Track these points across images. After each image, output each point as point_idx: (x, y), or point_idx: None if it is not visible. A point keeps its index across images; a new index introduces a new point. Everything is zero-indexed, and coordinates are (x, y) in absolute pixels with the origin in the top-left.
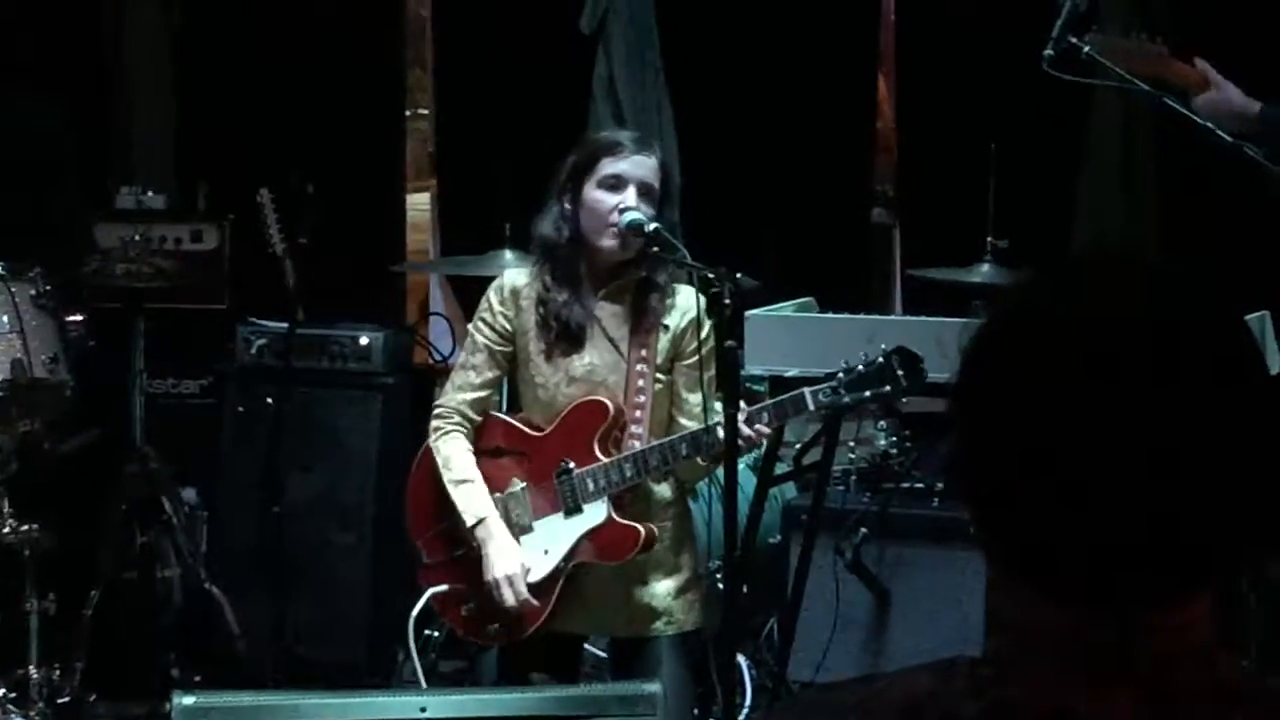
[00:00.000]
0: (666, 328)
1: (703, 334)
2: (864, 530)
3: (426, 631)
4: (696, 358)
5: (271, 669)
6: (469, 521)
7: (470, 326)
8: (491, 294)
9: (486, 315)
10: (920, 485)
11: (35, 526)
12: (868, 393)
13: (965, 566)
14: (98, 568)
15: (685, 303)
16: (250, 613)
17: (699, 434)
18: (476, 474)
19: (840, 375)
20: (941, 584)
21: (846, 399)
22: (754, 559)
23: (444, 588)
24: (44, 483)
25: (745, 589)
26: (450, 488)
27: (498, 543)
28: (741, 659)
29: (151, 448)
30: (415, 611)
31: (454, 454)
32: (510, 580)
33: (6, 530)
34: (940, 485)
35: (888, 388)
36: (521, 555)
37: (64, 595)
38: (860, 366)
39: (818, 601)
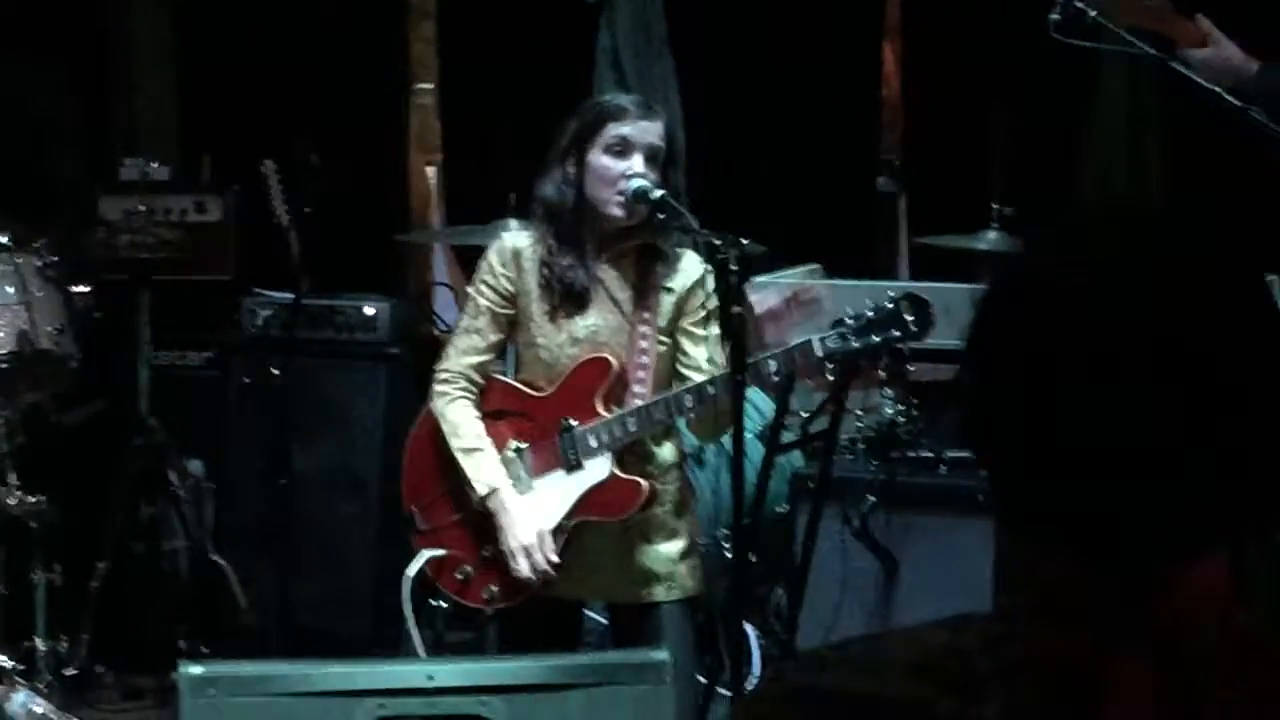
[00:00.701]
0: (670, 290)
1: (706, 291)
2: (871, 499)
3: (432, 602)
4: (701, 313)
5: (278, 640)
6: (481, 491)
7: (470, 289)
8: (492, 256)
9: (489, 278)
10: (928, 454)
11: (42, 499)
12: (876, 337)
13: (973, 535)
14: (104, 540)
15: (689, 265)
16: (257, 584)
17: (703, 385)
18: (487, 441)
19: (849, 322)
20: (949, 552)
21: (855, 344)
22: (761, 528)
23: (440, 552)
24: (50, 454)
25: (753, 558)
26: (460, 455)
27: (512, 513)
28: (749, 628)
29: (157, 420)
30: (411, 572)
31: (462, 420)
32: (528, 550)
33: (13, 502)
34: (948, 453)
35: (897, 332)
36: (538, 522)
37: (71, 567)
38: (869, 313)
39: (825, 570)
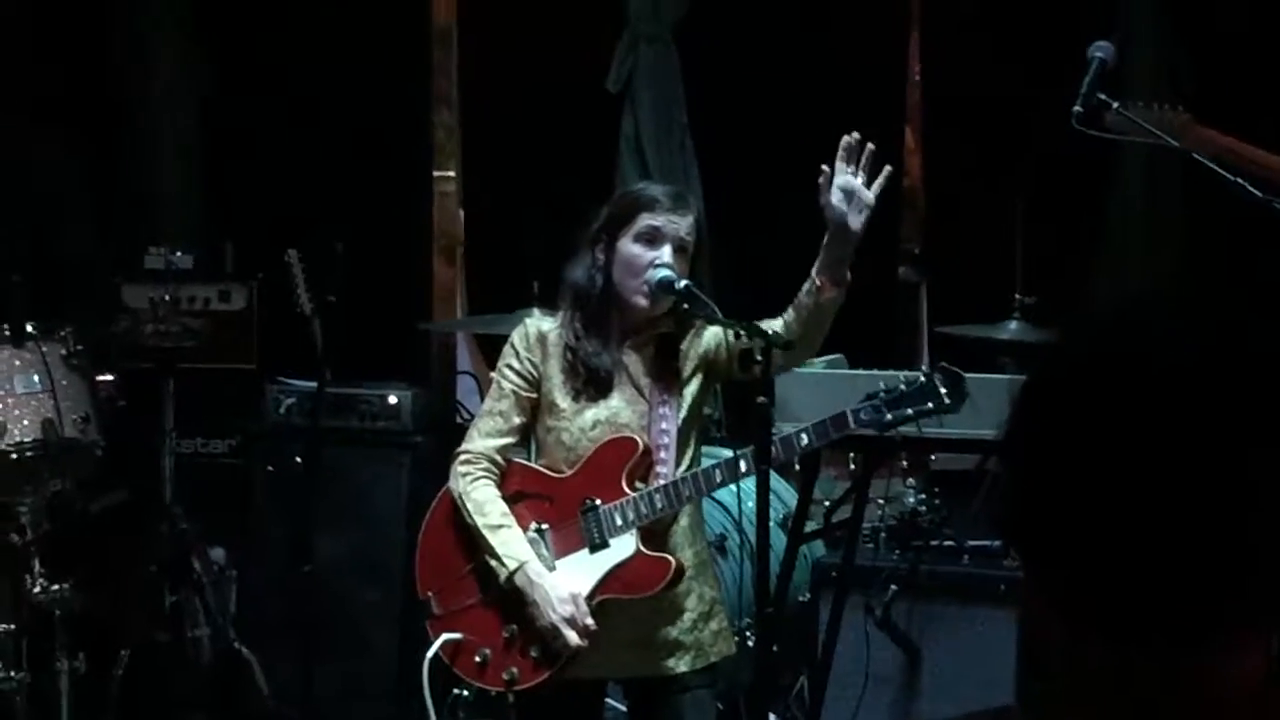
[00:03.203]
0: (695, 369)
1: (712, 331)
2: (894, 588)
3: (455, 691)
4: (724, 334)
5: None
6: (510, 566)
7: (495, 374)
8: (516, 340)
9: (513, 361)
10: (950, 543)
11: (66, 586)
12: (910, 410)
13: (995, 624)
14: (128, 628)
15: (706, 334)
16: (280, 671)
17: (733, 461)
18: (512, 519)
19: (881, 394)
20: (971, 642)
21: (888, 416)
22: (784, 617)
23: (457, 636)
24: (74, 542)
25: (775, 647)
26: (486, 533)
27: (545, 585)
28: (772, 717)
29: (181, 507)
30: (429, 656)
31: (487, 499)
32: (571, 621)
33: (37, 590)
34: (970, 543)
35: (930, 404)
36: (572, 587)
37: (94, 655)
38: (902, 385)
39: (848, 659)
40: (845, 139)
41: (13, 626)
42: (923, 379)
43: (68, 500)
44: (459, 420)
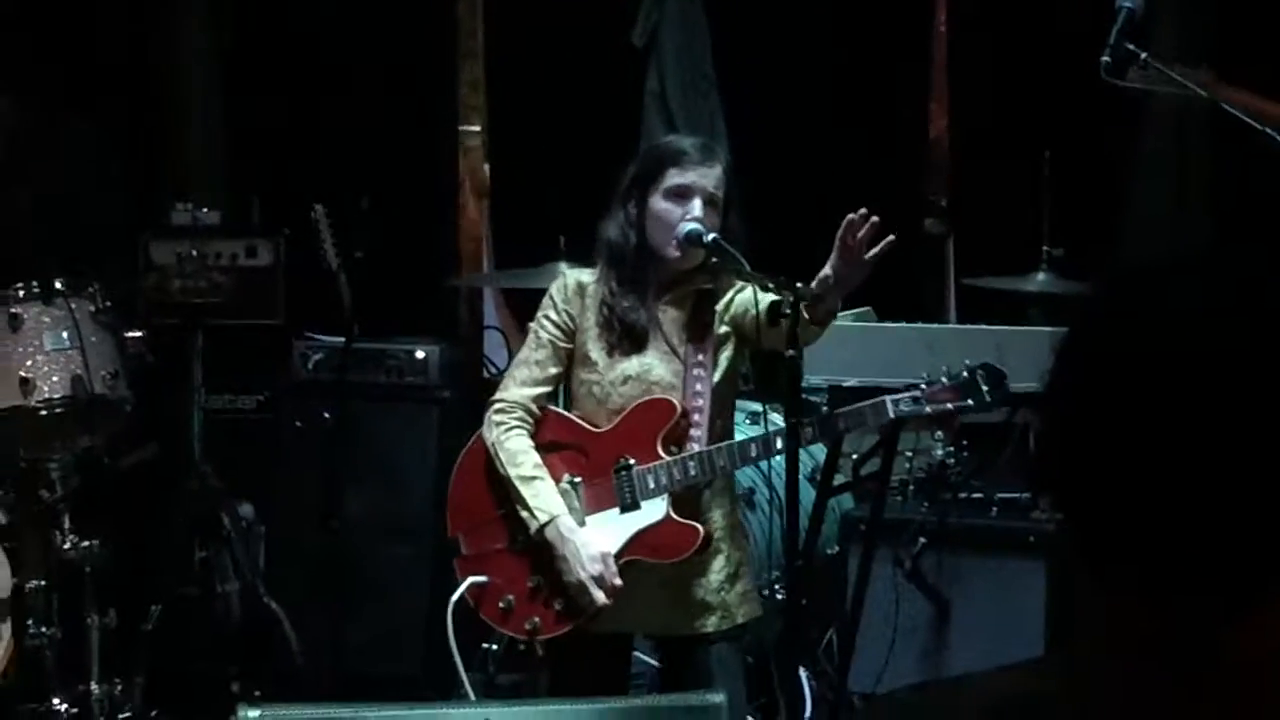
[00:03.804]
0: (729, 333)
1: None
2: (922, 540)
3: (485, 645)
4: (750, 307)
5: (331, 683)
6: (541, 519)
7: (533, 323)
8: (555, 291)
9: (551, 312)
10: (978, 495)
11: (96, 542)
12: (950, 405)
13: (1024, 575)
14: (158, 583)
15: (739, 299)
16: (309, 627)
17: (770, 436)
18: (544, 471)
19: (923, 385)
20: (1000, 593)
21: (928, 409)
22: (813, 570)
23: (483, 579)
24: (104, 498)
25: (805, 601)
26: (518, 483)
27: (576, 541)
28: (801, 671)
29: (210, 463)
30: (455, 598)
31: (520, 449)
32: (600, 580)
33: (68, 546)
34: (998, 495)
35: (970, 401)
36: (602, 546)
37: (125, 610)
38: (944, 379)
39: (877, 612)
40: (850, 217)
41: (43, 582)
42: (965, 374)
43: (97, 456)
44: (486, 375)
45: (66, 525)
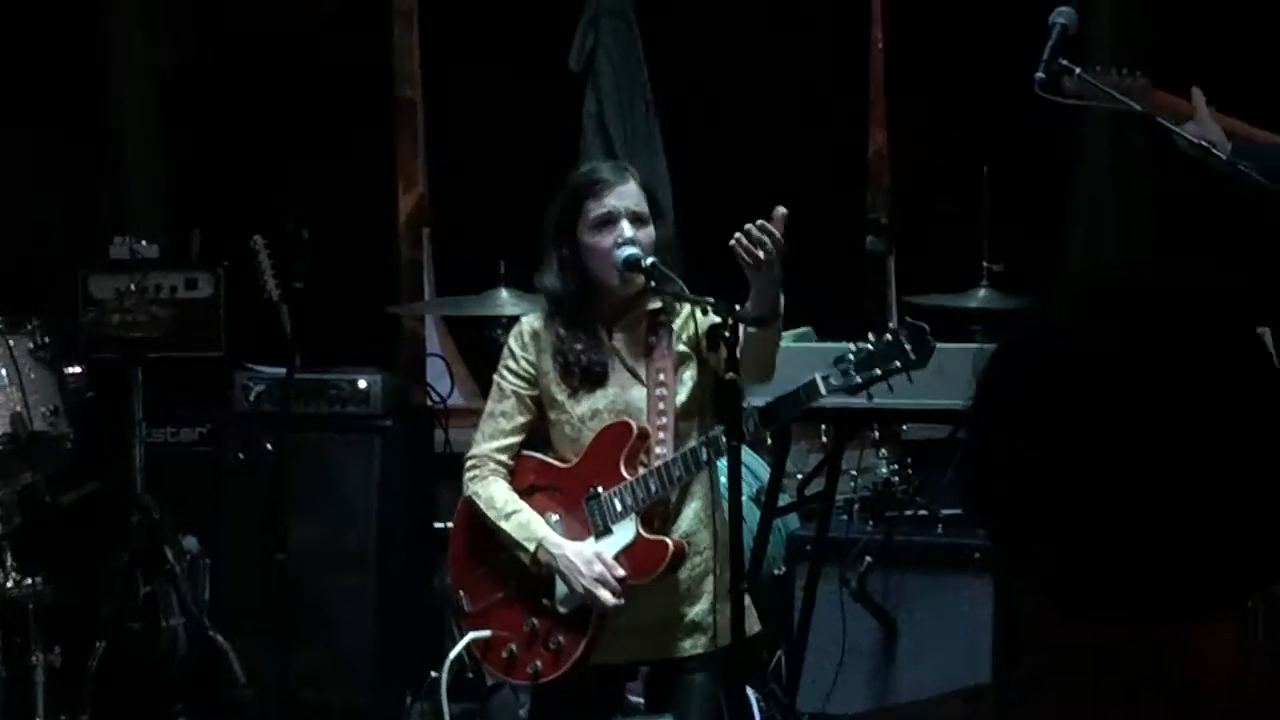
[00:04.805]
0: (690, 351)
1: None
2: (868, 559)
3: (433, 674)
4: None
5: (279, 715)
6: (530, 547)
7: (495, 376)
8: (512, 341)
9: (510, 362)
10: (923, 513)
11: (39, 579)
12: (878, 370)
13: (970, 592)
14: (102, 619)
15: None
16: (255, 660)
17: (715, 438)
18: (522, 504)
19: (850, 357)
20: (947, 611)
21: (858, 378)
22: (760, 590)
23: (486, 633)
24: (46, 535)
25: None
26: (500, 523)
27: (567, 553)
28: (750, 691)
29: (152, 497)
30: (453, 655)
31: (496, 492)
32: (602, 580)
33: (10, 584)
34: (943, 512)
35: (897, 363)
36: (596, 548)
37: (69, 647)
38: (869, 347)
39: (824, 632)
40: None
41: None
42: (889, 337)
43: (38, 493)
44: (429, 403)
45: (9, 563)
